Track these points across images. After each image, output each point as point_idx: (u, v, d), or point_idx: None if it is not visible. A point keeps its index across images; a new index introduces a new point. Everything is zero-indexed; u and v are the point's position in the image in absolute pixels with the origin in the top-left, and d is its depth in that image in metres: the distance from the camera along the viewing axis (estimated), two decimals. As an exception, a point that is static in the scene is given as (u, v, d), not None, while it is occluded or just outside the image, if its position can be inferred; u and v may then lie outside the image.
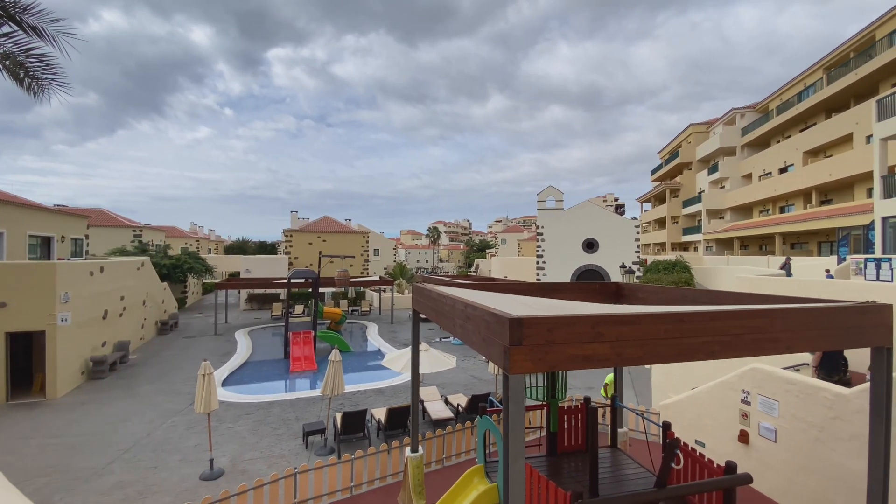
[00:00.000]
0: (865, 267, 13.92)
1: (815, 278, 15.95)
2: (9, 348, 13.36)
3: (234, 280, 31.77)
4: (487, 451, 6.19)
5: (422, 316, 6.14)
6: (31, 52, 7.52)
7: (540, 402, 6.93)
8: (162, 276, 27.49)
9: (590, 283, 7.93)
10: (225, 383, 15.57)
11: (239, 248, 70.87)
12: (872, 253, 16.37)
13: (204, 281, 39.49)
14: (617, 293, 7.44)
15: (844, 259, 18.06)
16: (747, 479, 4.79)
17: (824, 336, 3.78)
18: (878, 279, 12.88)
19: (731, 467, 4.94)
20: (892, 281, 12.28)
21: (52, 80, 7.27)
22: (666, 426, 5.70)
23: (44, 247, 21.56)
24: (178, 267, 31.20)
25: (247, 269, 36.17)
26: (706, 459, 5.32)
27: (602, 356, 3.08)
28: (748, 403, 8.19)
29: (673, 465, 4.62)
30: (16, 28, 7.63)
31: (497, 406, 8.84)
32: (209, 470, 8.96)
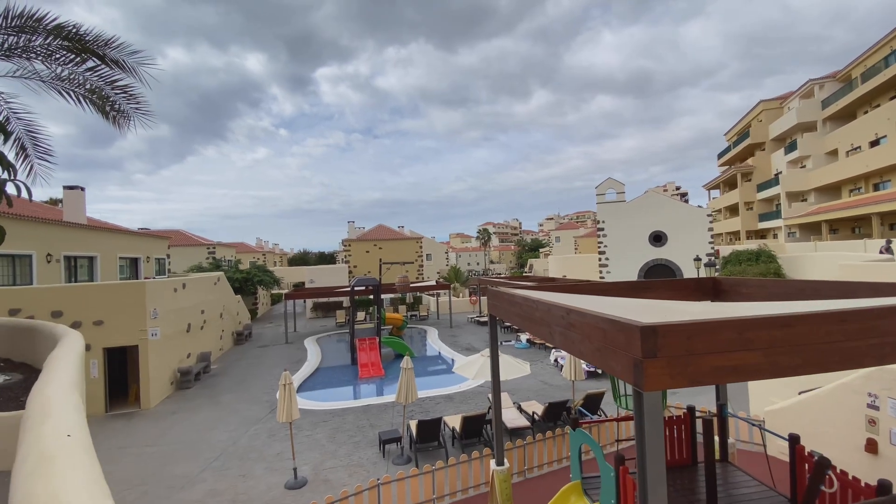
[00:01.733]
0: None
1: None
2: (106, 363, 14.47)
3: (301, 290, 33.01)
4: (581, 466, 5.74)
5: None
6: (116, 83, 7.94)
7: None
8: (235, 289, 29.02)
9: (682, 279, 7.27)
10: (299, 390, 16.00)
11: (301, 259, 74.19)
12: None
13: (272, 292, 41.42)
14: (715, 289, 6.73)
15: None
16: None
17: None
18: None
19: (884, 486, 4.20)
20: None
21: (136, 109, 7.68)
22: (794, 439, 5.00)
23: (132, 267, 23.41)
24: (248, 280, 32.91)
25: (311, 280, 37.54)
26: (850, 477, 4.58)
27: (753, 367, 2.60)
28: (876, 408, 7.18)
29: (824, 488, 3.97)
30: (98, 63, 8.09)
31: (589, 417, 8.30)
32: (293, 479, 9.09)
